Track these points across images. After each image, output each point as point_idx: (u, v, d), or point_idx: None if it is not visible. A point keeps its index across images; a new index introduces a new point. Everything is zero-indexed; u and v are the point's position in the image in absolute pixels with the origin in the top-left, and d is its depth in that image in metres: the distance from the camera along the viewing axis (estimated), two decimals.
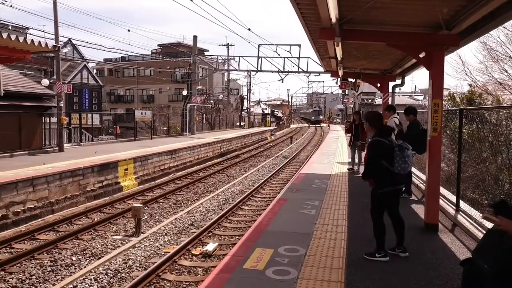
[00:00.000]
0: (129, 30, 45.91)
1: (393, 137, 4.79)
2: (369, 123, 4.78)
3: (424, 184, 7.30)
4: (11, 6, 43.58)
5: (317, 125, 62.89)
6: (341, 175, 10.88)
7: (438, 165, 6.09)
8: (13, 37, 8.69)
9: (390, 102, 11.75)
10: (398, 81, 11.83)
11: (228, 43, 40.65)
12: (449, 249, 5.21)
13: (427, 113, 6.40)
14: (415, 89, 61.66)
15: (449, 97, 12.75)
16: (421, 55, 6.18)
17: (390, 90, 12.04)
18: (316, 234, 5.59)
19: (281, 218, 6.48)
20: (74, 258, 6.95)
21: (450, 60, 16.63)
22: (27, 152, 14.50)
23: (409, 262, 4.72)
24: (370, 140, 5.26)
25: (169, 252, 6.95)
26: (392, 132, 4.76)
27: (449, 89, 17.85)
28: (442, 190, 7.04)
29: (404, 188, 7.37)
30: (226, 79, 48.49)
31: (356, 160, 11.41)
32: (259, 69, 27.06)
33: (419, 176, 9.33)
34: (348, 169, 11.50)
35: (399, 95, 29.93)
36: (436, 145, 5.95)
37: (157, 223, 9.19)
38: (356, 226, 6.03)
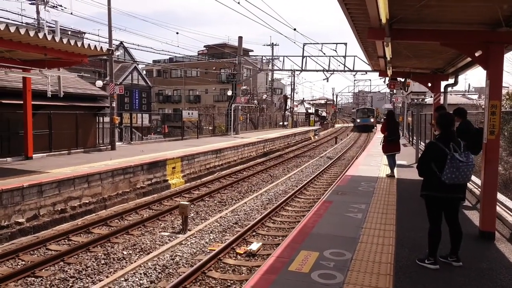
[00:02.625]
0: (177, 33, 47.27)
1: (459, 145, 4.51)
2: (436, 124, 4.75)
3: (479, 189, 6.93)
4: (71, 13, 46.66)
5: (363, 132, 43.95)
6: (389, 178, 10.56)
7: (495, 169, 5.74)
8: (72, 42, 9.25)
9: (441, 102, 11.24)
10: (451, 80, 11.28)
11: (272, 43, 40.77)
12: (508, 259, 4.91)
13: (482, 114, 6.07)
14: (468, 88, 58.26)
15: (507, 96, 11.99)
16: (477, 54, 5.87)
17: (442, 90, 11.51)
18: (363, 239, 5.48)
19: (326, 221, 6.42)
20: (125, 252, 7.29)
21: (509, 56, 15.59)
22: (82, 150, 15.39)
23: (463, 271, 4.50)
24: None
25: (214, 250, 7.10)
26: (456, 139, 4.55)
27: (508, 87, 16.78)
28: (499, 195, 6.64)
29: None
30: (270, 79, 48.63)
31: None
32: (303, 68, 26.88)
33: (472, 180, 8.85)
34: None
35: (451, 94, 28.48)
36: (493, 148, 5.62)
37: (203, 220, 9.41)
38: (405, 232, 5.84)
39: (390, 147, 10.49)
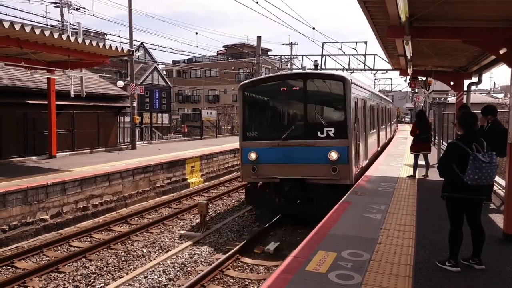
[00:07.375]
0: (196, 33, 47.93)
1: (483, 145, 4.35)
2: (458, 123, 4.59)
3: (504, 191, 6.74)
4: (93, 15, 47.68)
5: None
6: (410, 178, 10.37)
7: None
8: (94, 43, 9.46)
9: (465, 101, 10.96)
10: (475, 79, 10.97)
11: (291, 42, 40.54)
12: None
13: (507, 113, 5.90)
14: (494, 86, 56.36)
15: None
16: (501, 51, 5.70)
17: (465, 89, 11.21)
18: (382, 240, 5.41)
19: (344, 221, 6.36)
20: (144, 250, 7.41)
21: None
22: (103, 149, 15.71)
23: (485, 274, 4.39)
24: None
25: (232, 248, 7.14)
26: (479, 138, 4.40)
27: None
28: None
29: None
30: None
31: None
32: (322, 67, 26.66)
33: (497, 182, 8.61)
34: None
35: (475, 93, 27.72)
36: None
37: (221, 219, 9.47)
38: (425, 233, 5.73)
39: (419, 146, 9.99)
